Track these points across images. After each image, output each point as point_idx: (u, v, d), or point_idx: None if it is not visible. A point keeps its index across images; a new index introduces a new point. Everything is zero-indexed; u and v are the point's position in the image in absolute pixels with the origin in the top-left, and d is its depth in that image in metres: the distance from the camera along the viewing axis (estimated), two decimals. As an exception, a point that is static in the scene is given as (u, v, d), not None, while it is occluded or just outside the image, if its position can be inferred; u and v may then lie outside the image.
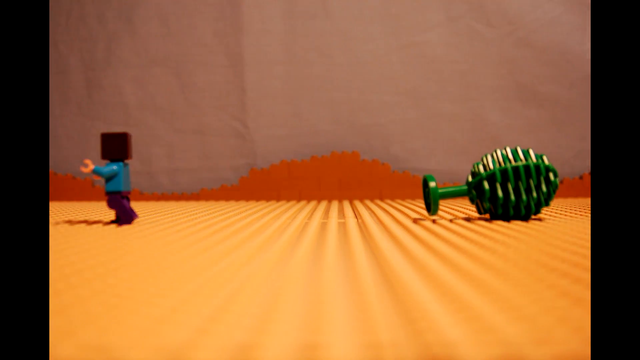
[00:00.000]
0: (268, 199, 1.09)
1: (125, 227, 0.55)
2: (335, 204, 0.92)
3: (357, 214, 0.70)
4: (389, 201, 1.01)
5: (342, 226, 0.55)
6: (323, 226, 0.56)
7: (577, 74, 1.08)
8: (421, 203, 0.90)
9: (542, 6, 1.09)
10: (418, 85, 1.10)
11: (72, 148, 1.14)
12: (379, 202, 0.98)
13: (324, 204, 0.94)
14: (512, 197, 0.56)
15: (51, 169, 1.15)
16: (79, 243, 0.41)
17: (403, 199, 1.07)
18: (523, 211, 0.56)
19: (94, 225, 0.58)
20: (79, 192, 1.13)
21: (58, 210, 0.81)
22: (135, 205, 0.90)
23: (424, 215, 0.65)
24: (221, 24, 1.11)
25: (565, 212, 0.69)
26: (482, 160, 0.58)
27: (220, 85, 1.11)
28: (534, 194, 0.56)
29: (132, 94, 1.13)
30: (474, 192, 0.58)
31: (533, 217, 0.60)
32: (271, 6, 1.11)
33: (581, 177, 1.08)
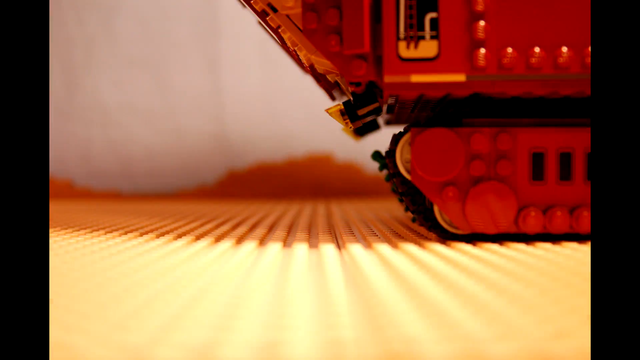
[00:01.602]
0: (246, 198, 1.09)
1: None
2: (309, 205, 0.92)
3: (329, 214, 0.70)
4: (364, 203, 1.01)
5: (314, 225, 0.55)
6: (294, 224, 0.56)
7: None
8: (400, 206, 0.90)
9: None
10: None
11: (52, 151, 1.13)
12: (355, 203, 0.98)
13: (300, 203, 0.93)
14: None
15: (31, 171, 1.14)
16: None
17: (378, 201, 1.07)
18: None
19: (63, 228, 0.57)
20: (60, 193, 1.13)
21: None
22: (115, 206, 0.89)
23: (396, 215, 0.65)
24: (200, 28, 1.11)
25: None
26: None
27: (198, 88, 1.11)
28: None
29: (111, 96, 1.12)
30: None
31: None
32: (247, 11, 1.10)
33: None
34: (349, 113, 0.43)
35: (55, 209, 0.87)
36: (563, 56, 0.39)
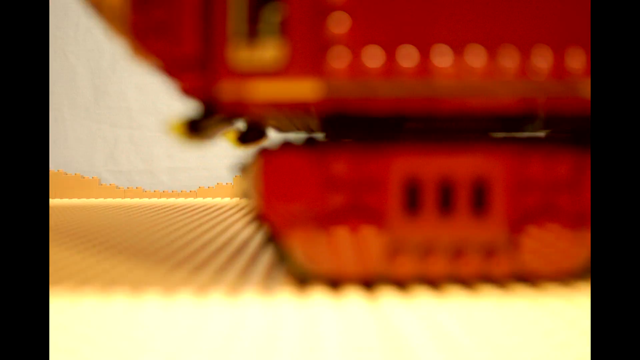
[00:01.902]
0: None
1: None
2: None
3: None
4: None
5: None
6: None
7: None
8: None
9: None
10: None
11: (80, 149, 1.20)
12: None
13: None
14: None
15: (60, 169, 1.21)
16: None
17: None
18: None
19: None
20: (88, 190, 1.19)
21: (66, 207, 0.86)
22: (138, 203, 0.95)
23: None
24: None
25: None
26: None
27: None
28: None
29: (135, 99, 1.18)
30: None
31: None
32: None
33: None
34: (191, 122, 0.35)
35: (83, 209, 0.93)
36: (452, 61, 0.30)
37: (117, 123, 1.20)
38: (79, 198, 1.18)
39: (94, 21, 1.22)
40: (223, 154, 1.18)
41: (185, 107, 1.16)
